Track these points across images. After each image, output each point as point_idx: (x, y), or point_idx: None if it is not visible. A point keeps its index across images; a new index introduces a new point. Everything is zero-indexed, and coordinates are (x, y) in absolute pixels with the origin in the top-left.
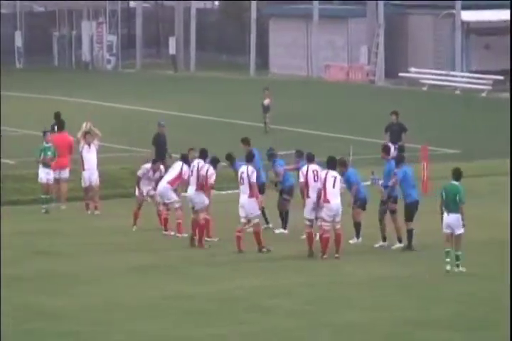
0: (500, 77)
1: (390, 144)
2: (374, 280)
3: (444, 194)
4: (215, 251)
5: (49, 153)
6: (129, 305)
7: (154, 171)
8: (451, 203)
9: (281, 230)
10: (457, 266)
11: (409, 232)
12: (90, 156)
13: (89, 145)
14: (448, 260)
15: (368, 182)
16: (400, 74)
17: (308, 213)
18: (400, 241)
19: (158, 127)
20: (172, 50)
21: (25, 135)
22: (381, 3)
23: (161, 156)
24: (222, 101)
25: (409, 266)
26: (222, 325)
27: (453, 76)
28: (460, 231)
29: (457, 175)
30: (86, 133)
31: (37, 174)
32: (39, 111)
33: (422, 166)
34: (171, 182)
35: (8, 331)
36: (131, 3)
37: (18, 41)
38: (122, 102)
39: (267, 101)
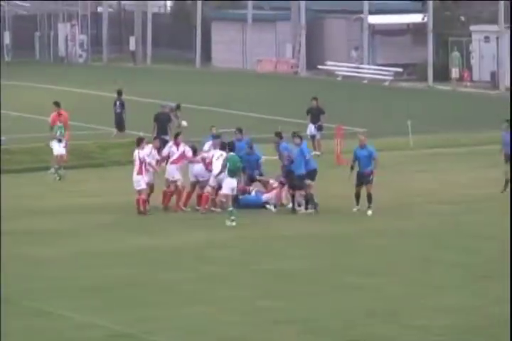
0: (400, 69)
1: (311, 124)
2: (303, 236)
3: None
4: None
5: (63, 130)
6: (103, 254)
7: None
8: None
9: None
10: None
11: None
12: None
13: (177, 145)
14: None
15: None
16: (319, 66)
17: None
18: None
19: (160, 108)
20: (132, 47)
21: (11, 115)
22: (303, 9)
23: (162, 131)
24: (174, 88)
25: (333, 225)
26: (175, 272)
27: (361, 68)
28: None
29: None
30: (177, 135)
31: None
32: (24, 96)
33: (336, 142)
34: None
35: (3, 275)
36: (99, 9)
37: (7, 39)
38: (92, 89)
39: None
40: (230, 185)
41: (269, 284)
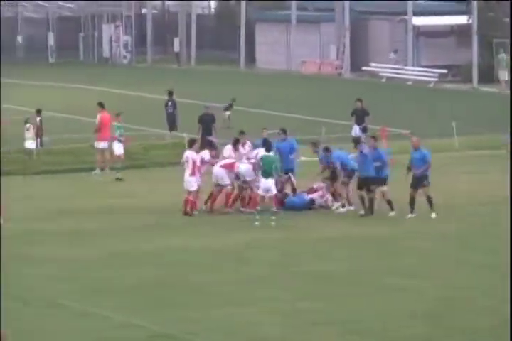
0: (444, 71)
1: (355, 125)
2: (344, 238)
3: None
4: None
5: (122, 130)
6: (143, 254)
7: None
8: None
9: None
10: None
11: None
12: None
13: (243, 145)
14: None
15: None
16: (363, 68)
17: None
18: (344, 206)
19: (204, 109)
20: (176, 48)
21: (56, 116)
22: (347, 10)
23: (207, 132)
24: (218, 89)
25: (375, 227)
26: (215, 273)
27: (406, 70)
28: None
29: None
30: (237, 142)
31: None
32: (68, 98)
33: (381, 143)
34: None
35: (45, 276)
36: (143, 10)
37: (51, 40)
38: (136, 90)
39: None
40: (263, 185)
41: (309, 286)
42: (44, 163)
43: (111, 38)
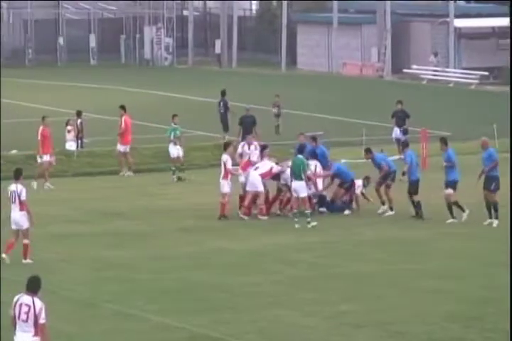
0: (486, 73)
1: (396, 127)
2: (381, 240)
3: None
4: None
5: (177, 132)
6: (182, 256)
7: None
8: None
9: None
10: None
11: (418, 203)
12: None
13: (249, 145)
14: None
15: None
16: (404, 70)
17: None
18: (392, 209)
19: (245, 111)
20: (217, 50)
21: (97, 118)
22: (388, 13)
23: (248, 134)
24: (259, 91)
25: (412, 229)
26: (255, 275)
27: (447, 72)
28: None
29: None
30: (264, 148)
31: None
32: (110, 99)
33: (422, 146)
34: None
35: (86, 278)
36: (184, 12)
37: (92, 42)
38: (177, 92)
39: (275, 110)
40: (292, 187)
41: (348, 287)
42: (84, 165)
43: (152, 39)
